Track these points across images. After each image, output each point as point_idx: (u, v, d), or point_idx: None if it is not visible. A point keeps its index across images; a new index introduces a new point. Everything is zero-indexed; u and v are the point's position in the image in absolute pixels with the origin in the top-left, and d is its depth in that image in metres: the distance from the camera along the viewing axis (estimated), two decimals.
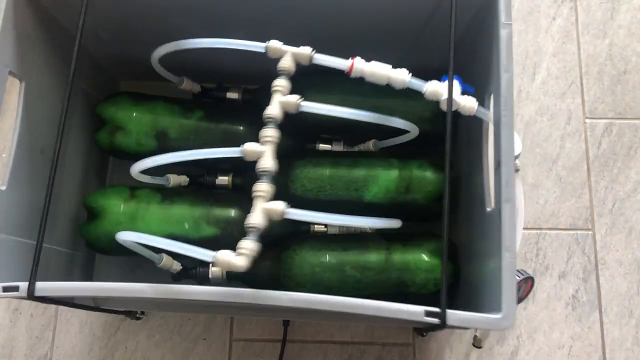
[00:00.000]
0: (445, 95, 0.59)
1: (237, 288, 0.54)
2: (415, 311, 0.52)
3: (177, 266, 0.73)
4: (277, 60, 0.63)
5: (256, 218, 0.56)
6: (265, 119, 0.61)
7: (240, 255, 0.54)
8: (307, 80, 0.67)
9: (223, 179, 0.79)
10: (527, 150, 0.96)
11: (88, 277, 0.83)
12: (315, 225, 0.77)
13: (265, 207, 0.56)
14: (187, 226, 0.72)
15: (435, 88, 0.60)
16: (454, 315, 0.53)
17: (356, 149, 0.80)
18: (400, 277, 0.70)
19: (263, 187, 0.57)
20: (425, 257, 0.70)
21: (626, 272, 0.91)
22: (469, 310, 0.53)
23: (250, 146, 0.59)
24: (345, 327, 0.89)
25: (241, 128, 0.78)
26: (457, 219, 0.74)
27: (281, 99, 0.61)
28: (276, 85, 0.62)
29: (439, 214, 0.76)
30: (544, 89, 0.99)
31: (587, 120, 0.97)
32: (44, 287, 0.55)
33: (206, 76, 0.82)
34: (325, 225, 0.77)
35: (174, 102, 0.79)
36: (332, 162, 0.74)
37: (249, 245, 0.54)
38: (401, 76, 0.60)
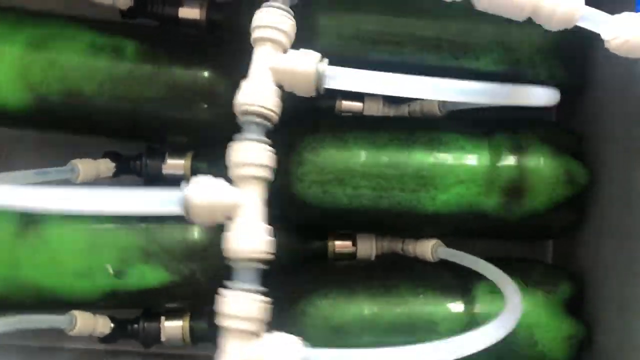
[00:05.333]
0: None
1: None
2: None
3: (104, 326, 0.43)
4: None
5: None
6: (243, 116, 0.27)
7: None
8: None
9: (175, 163, 0.45)
10: None
11: None
12: (337, 243, 0.46)
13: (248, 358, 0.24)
14: (110, 270, 0.40)
15: (635, 35, 0.26)
16: None
17: (407, 111, 0.46)
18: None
19: (238, 309, 0.25)
20: (541, 310, 0.42)
21: None
22: None
23: (203, 191, 0.25)
24: None
25: (206, 74, 0.43)
26: (582, 235, 0.45)
27: (276, 64, 0.27)
28: (262, 27, 0.27)
29: (550, 233, 0.47)
30: None
31: None
32: None
33: None
34: (353, 243, 0.46)
35: (82, 26, 0.43)
36: (371, 140, 0.42)
37: None
38: (566, 5, 0.26)
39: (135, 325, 0.44)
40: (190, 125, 0.44)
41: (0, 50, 0.41)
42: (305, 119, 0.43)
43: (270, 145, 0.28)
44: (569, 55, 0.43)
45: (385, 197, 0.41)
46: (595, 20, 0.27)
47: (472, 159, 0.41)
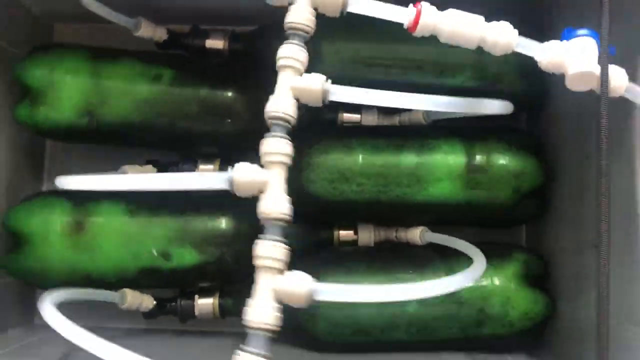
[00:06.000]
0: (575, 69, 0.35)
1: None
2: None
3: (148, 302, 0.51)
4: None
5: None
6: (270, 120, 0.36)
7: None
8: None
9: (206, 168, 0.54)
10: None
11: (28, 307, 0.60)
12: (341, 232, 0.54)
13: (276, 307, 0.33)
14: (155, 253, 0.49)
15: (559, 57, 0.35)
16: None
17: (397, 121, 0.55)
18: (471, 313, 0.48)
19: (268, 253, 0.34)
20: (512, 284, 0.49)
21: None
22: None
23: (243, 172, 0.35)
24: None
25: (230, 94, 0.52)
26: (548, 221, 0.53)
27: (294, 83, 0.36)
28: (284, 57, 0.37)
29: (520, 220, 0.55)
30: None
31: None
32: None
33: (175, 15, 0.56)
34: (355, 232, 0.54)
35: (130, 57, 0.52)
36: (370, 145, 0.50)
37: None
38: (504, 37, 0.35)
39: (174, 303, 0.52)
40: (216, 136, 0.53)
41: (67, 80, 0.50)
42: (314, 129, 0.52)
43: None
44: (531, 73, 0.49)
45: (383, 191, 0.49)
46: (529, 47, 0.36)
47: (452, 160, 0.49)
